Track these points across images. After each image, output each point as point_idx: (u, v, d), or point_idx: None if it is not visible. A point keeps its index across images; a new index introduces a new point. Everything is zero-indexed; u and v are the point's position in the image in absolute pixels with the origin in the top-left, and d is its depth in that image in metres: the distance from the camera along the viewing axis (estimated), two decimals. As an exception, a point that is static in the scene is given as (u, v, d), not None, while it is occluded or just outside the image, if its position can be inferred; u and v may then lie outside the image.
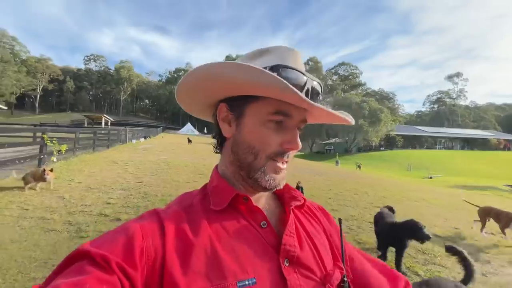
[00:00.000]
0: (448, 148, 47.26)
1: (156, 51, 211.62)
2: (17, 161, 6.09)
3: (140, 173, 7.19)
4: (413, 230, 2.72)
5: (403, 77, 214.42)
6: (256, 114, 0.47)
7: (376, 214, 3.53)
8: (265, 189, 0.48)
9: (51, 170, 4.74)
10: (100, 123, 34.07)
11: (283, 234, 0.46)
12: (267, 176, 0.46)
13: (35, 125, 18.78)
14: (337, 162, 25.20)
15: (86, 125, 32.55)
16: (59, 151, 7.46)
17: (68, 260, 0.35)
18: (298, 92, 0.40)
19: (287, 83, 0.39)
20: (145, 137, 22.03)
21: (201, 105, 0.55)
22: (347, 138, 40.80)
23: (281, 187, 0.49)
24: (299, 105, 0.44)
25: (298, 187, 5.47)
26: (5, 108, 19.91)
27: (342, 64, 75.66)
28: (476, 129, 62.20)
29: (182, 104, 0.55)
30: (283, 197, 0.55)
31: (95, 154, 9.93)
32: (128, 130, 17.69)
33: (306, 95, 0.45)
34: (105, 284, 0.32)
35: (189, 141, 22.44)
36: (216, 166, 0.55)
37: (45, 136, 6.90)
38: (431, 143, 47.62)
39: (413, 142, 45.27)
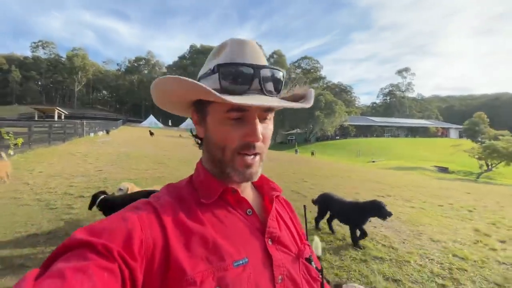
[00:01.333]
0: (394, 136, 52.85)
1: (113, 38, 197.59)
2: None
3: (99, 163, 7.80)
4: (377, 209, 3.09)
5: (362, 71, 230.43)
6: (215, 113, 0.50)
7: (323, 195, 3.86)
8: (238, 183, 0.52)
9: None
10: (53, 117, 31.82)
11: (268, 218, 0.53)
12: (237, 171, 0.50)
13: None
14: (296, 151, 27.28)
15: (37, 119, 30.25)
16: (15, 144, 7.71)
17: (67, 247, 0.36)
18: (212, 91, 0.42)
19: (206, 87, 0.42)
20: (107, 131, 21.47)
21: (180, 108, 0.59)
22: (306, 129, 43.56)
23: (255, 179, 0.52)
24: (232, 106, 0.46)
25: None
26: None
27: (305, 58, 78.51)
28: (420, 119, 69.60)
29: (165, 108, 0.59)
30: (263, 188, 0.61)
31: (52, 148, 10.10)
32: (85, 123, 17.36)
33: (260, 84, 0.48)
34: (107, 271, 0.34)
35: (151, 133, 22.15)
36: (200, 160, 0.59)
37: (2, 130, 7.14)
38: (380, 132, 52.80)
39: (364, 131, 49.82)
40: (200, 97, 0.48)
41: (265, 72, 0.49)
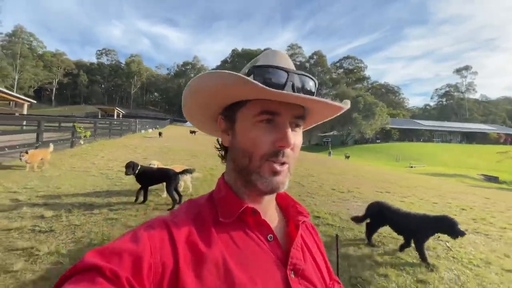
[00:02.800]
0: (446, 141, 48.11)
1: (165, 44, 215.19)
2: (58, 142, 8.44)
3: (146, 153, 9.52)
4: (450, 226, 2.80)
5: (417, 70, 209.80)
6: (245, 118, 0.48)
7: (376, 204, 3.48)
8: (264, 192, 0.48)
9: (27, 153, 5.34)
10: (113, 115, 36.92)
11: (291, 247, 0.48)
12: (263, 178, 0.46)
13: (66, 116, 21.54)
14: (329, 153, 27.20)
15: (100, 117, 35.38)
16: (85, 136, 9.84)
17: (78, 269, 0.36)
18: (259, 84, 0.41)
19: (248, 78, 0.41)
20: (153, 128, 24.50)
21: (208, 118, 0.58)
22: (342, 131, 42.52)
23: (282, 190, 0.48)
24: (269, 98, 0.44)
25: None
26: (34, 101, 22.59)
27: (347, 57, 76.22)
28: (481, 124, 62.08)
29: (195, 126, 0.60)
30: (288, 211, 0.56)
31: (111, 140, 12.35)
32: (137, 122, 20.14)
33: (292, 89, 0.47)
34: None
35: (192, 132, 23.39)
36: (223, 175, 0.56)
37: (75, 124, 9.26)
38: (428, 136, 48.54)
39: (410, 135, 46.40)
40: (235, 91, 0.46)
41: (298, 78, 0.48)
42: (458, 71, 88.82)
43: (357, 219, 3.51)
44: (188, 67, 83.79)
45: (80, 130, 9.49)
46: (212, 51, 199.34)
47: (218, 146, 0.57)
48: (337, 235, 0.70)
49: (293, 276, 0.45)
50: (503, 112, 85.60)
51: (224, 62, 77.49)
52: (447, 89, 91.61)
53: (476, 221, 4.90)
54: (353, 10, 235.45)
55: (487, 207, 6.52)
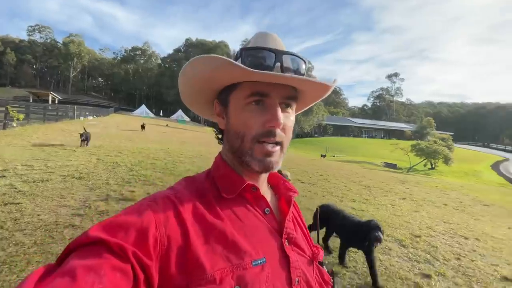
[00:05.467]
0: (371, 136, 56.13)
1: (111, 24, 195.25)
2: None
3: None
4: (371, 230, 2.53)
5: (362, 72, 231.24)
6: (236, 100, 0.50)
7: (325, 207, 3.24)
8: (258, 172, 0.50)
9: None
10: (47, 101, 33.93)
11: (285, 219, 0.52)
12: (256, 159, 0.48)
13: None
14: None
15: (31, 101, 32.30)
16: (17, 119, 10.18)
17: (82, 243, 0.35)
18: (242, 65, 0.43)
19: (230, 60, 0.43)
20: (93, 116, 23.80)
21: (205, 103, 0.59)
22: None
23: (275, 169, 0.51)
24: (256, 79, 0.46)
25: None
26: None
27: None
28: (405, 123, 72.81)
29: (192, 109, 0.61)
30: (279, 188, 0.61)
31: (46, 125, 12.55)
32: (76, 108, 19.70)
33: (281, 69, 0.48)
34: (119, 271, 0.33)
35: (143, 127, 18.12)
36: (220, 154, 0.58)
37: (8, 107, 9.62)
38: (357, 132, 55.94)
39: (342, 131, 52.84)
40: (223, 74, 0.47)
41: (287, 58, 0.49)
42: (389, 76, 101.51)
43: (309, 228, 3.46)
44: (137, 53, 78.93)
45: (13, 113, 9.84)
46: (165, 37, 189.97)
47: (216, 130, 0.59)
48: (317, 209, 0.88)
49: (287, 244, 0.50)
50: (422, 114, 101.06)
51: (177, 51, 75.18)
52: (381, 92, 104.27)
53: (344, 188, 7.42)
54: (309, 10, 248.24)
55: (361, 179, 9.33)
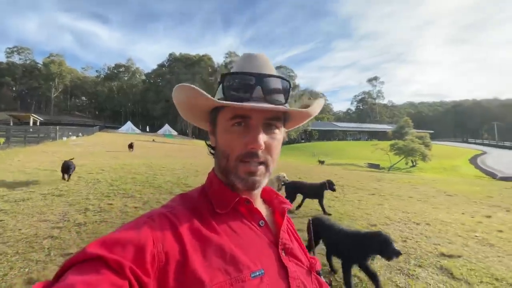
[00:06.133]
0: (356, 139, 57.83)
1: (93, 42, 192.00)
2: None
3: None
4: (383, 244, 2.26)
5: (344, 78, 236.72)
6: (221, 122, 0.52)
7: (316, 219, 2.90)
8: (242, 189, 0.52)
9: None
10: (28, 123, 33.24)
11: (280, 230, 0.54)
12: (240, 177, 0.50)
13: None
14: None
15: (12, 125, 31.61)
16: (-3, 143, 10.21)
17: (80, 260, 0.36)
18: (212, 99, 0.47)
19: (198, 89, 0.47)
20: (76, 136, 23.60)
21: (200, 120, 0.61)
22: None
23: (258, 188, 0.52)
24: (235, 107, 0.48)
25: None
26: None
27: (279, 67, 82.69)
28: (388, 124, 75.19)
29: (196, 124, 0.63)
30: (272, 202, 0.62)
31: (27, 147, 12.51)
32: (58, 129, 19.57)
33: (264, 92, 0.50)
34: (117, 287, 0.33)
35: (130, 147, 15.91)
36: (213, 170, 0.59)
37: (-13, 131, 9.65)
38: (342, 136, 57.55)
39: (328, 135, 54.24)
40: (204, 102, 0.50)
41: (268, 81, 0.50)
42: (369, 80, 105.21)
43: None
44: (121, 70, 78.70)
45: (-9, 137, 9.87)
46: (149, 52, 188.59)
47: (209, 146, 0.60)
48: (309, 220, 0.87)
49: (284, 254, 0.51)
50: (404, 115, 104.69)
51: (162, 66, 75.50)
52: (363, 95, 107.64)
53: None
54: (290, 20, 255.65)
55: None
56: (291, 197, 4.97)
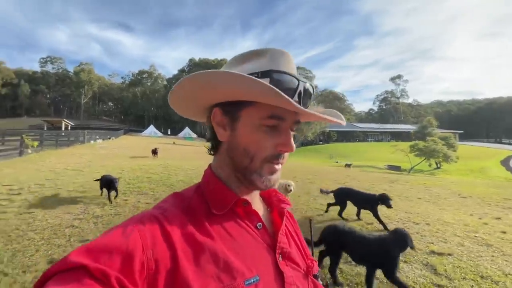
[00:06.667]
0: (378, 140, 55.95)
1: (119, 50, 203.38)
2: (5, 153, 9.91)
3: (91, 158, 11.31)
4: (403, 239, 2.34)
5: (366, 77, 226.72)
6: (250, 118, 0.48)
7: (332, 227, 2.79)
8: (260, 189, 0.51)
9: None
10: (60, 128, 36.01)
11: (278, 233, 0.52)
12: (263, 177, 0.49)
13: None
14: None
15: (45, 129, 34.38)
16: (32, 146, 11.30)
17: (63, 269, 0.34)
18: (291, 100, 0.42)
19: (279, 91, 0.41)
20: (103, 139, 25.19)
21: (195, 109, 0.57)
22: (290, 135, 47.18)
23: (276, 186, 0.53)
24: (292, 110, 0.45)
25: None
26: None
27: (298, 68, 79.28)
28: (413, 125, 72.09)
29: (175, 108, 0.57)
30: (271, 200, 0.60)
31: (58, 150, 13.69)
32: (86, 133, 21.08)
33: (299, 97, 0.48)
34: None
35: (154, 153, 14.45)
36: (210, 167, 0.56)
37: (23, 136, 10.75)
38: (363, 137, 55.92)
39: (347, 136, 53.01)
40: (260, 101, 0.46)
41: (305, 87, 0.49)
42: (392, 79, 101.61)
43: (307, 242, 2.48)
44: (144, 76, 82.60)
45: (28, 141, 10.96)
46: (170, 58, 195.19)
47: (210, 140, 0.56)
48: (310, 219, 0.84)
49: (281, 259, 0.49)
50: (431, 114, 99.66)
51: (182, 71, 78.26)
52: (385, 95, 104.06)
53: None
54: (308, 21, 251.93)
55: (348, 181, 9.82)
56: (341, 204, 4.72)
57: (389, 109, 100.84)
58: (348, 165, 20.93)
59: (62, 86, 73.92)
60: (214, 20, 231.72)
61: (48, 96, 76.07)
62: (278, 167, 0.50)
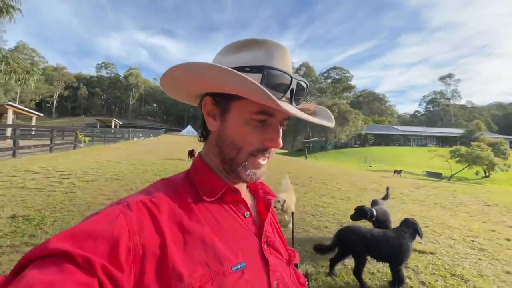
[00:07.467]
0: (421, 145, 51.63)
1: (163, 55, 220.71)
2: (62, 146, 11.75)
3: (132, 152, 12.79)
4: (413, 227, 2.55)
5: (414, 76, 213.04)
6: (240, 111, 0.48)
7: (347, 230, 2.73)
8: (245, 181, 0.51)
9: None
10: (110, 126, 40.47)
11: (264, 223, 0.54)
12: (248, 170, 0.50)
13: (69, 127, 25.05)
14: (306, 157, 30.63)
15: (98, 127, 38.89)
16: (84, 141, 13.17)
17: (43, 254, 0.32)
18: (278, 101, 0.41)
19: (266, 91, 0.40)
20: (145, 137, 27.81)
21: (186, 94, 0.57)
22: (321, 137, 46.09)
23: (261, 180, 0.53)
24: (279, 110, 0.44)
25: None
26: (41, 114, 26.00)
27: (334, 68, 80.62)
28: (463, 128, 65.39)
29: (166, 91, 0.56)
30: (257, 191, 0.62)
31: (106, 145, 15.66)
32: (130, 131, 23.52)
33: (291, 94, 0.48)
34: (84, 287, 0.30)
35: (191, 154, 12.64)
36: (200, 155, 0.57)
37: (77, 132, 12.61)
38: (404, 140, 52.13)
39: (385, 140, 49.94)
40: (250, 98, 0.44)
41: (299, 85, 0.49)
42: (442, 78, 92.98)
43: (321, 249, 2.80)
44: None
45: (81, 137, 12.82)
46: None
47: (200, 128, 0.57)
48: (292, 213, 0.98)
49: (266, 247, 0.51)
50: (488, 117, 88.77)
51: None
52: (433, 96, 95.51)
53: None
54: (349, 18, 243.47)
55: (367, 184, 9.75)
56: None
57: (438, 111, 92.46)
58: (397, 172, 18.75)
59: (114, 89, 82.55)
60: (252, 22, 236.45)
61: (102, 97, 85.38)
62: (263, 161, 0.51)
